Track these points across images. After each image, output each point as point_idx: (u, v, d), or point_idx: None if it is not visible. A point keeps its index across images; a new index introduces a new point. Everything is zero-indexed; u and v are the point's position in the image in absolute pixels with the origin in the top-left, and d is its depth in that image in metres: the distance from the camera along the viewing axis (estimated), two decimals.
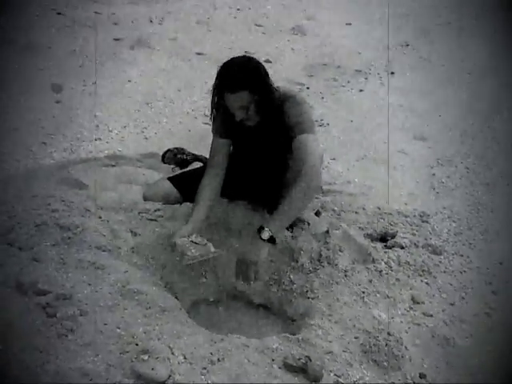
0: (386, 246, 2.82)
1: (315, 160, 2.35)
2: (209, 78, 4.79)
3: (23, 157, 3.21)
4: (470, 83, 6.08)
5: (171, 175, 2.97)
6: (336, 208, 3.12)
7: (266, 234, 2.25)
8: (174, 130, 3.92)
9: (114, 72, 4.82)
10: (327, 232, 2.77)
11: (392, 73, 6.14)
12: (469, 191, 3.71)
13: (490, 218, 3.39)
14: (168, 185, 2.87)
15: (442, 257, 2.84)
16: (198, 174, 2.81)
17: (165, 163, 3.34)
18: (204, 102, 4.50)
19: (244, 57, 2.50)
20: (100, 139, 3.57)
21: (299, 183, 2.28)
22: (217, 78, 2.43)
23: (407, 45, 7.83)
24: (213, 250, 2.39)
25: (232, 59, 2.45)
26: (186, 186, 2.83)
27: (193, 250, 2.35)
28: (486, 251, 3.00)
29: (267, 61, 5.89)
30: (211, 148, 2.69)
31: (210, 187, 2.60)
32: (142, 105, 4.27)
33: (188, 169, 3.19)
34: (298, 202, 2.29)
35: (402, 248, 2.81)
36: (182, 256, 2.34)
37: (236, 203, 2.85)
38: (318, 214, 2.94)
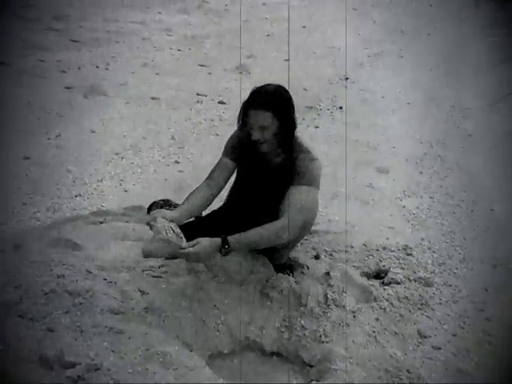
0: (383, 282, 2.94)
1: (295, 214, 2.53)
2: (170, 123, 4.86)
3: (7, 219, 3.12)
4: (411, 113, 6.42)
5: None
6: (327, 248, 3.22)
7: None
8: (151, 180, 3.92)
9: (75, 122, 4.77)
10: (328, 274, 2.86)
11: (340, 107, 6.39)
12: (439, 221, 3.92)
13: (464, 245, 3.59)
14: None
15: (433, 288, 2.99)
16: (197, 225, 2.85)
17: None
18: (173, 149, 4.54)
19: (279, 85, 2.69)
20: (80, 195, 3.53)
21: (273, 224, 2.53)
22: (248, 97, 2.60)
23: (346, 78, 8.15)
24: (184, 244, 2.50)
25: (269, 84, 2.66)
26: (190, 236, 2.85)
27: (169, 234, 2.49)
28: (469, 279, 3.19)
29: (221, 102, 6.00)
30: (215, 165, 2.83)
31: (200, 195, 2.76)
32: (112, 155, 4.25)
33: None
34: (264, 234, 2.53)
35: (398, 283, 2.94)
36: (155, 235, 2.48)
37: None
38: (317, 257, 3.02)
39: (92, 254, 2.84)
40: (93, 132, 4.63)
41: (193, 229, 2.91)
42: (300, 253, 3.07)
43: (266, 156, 2.77)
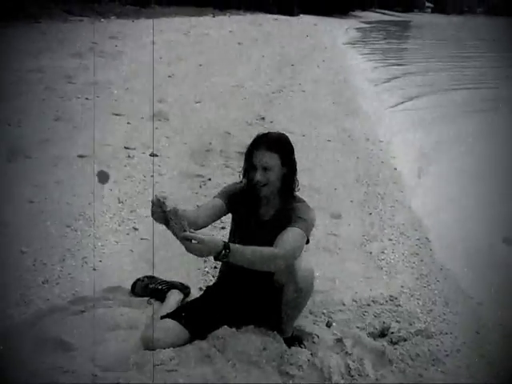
0: (391, 341, 2.92)
1: (285, 251, 2.46)
2: (110, 184, 4.60)
3: None
4: (335, 150, 6.62)
5: (169, 312, 2.77)
6: (324, 310, 3.16)
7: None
8: (116, 254, 3.66)
9: (8, 192, 4.37)
10: (340, 340, 2.80)
11: None
12: (407, 264, 4.00)
13: (440, 287, 3.69)
14: (172, 324, 2.67)
15: (435, 340, 3.02)
16: (200, 304, 2.72)
17: (137, 296, 3.10)
18: (125, 214, 4.28)
19: (282, 133, 2.75)
20: (47, 281, 3.20)
21: (273, 249, 2.45)
22: (253, 140, 2.67)
23: (262, 118, 8.24)
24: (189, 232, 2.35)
25: (271, 131, 2.75)
26: (193, 320, 2.68)
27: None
28: (459, 323, 3.26)
29: (153, 154, 5.79)
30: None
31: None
32: (63, 227, 3.92)
33: (169, 299, 3.00)
34: (263, 253, 2.42)
35: (405, 340, 2.94)
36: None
37: (245, 329, 2.75)
38: (329, 325, 2.95)
39: (89, 352, 2.57)
40: (31, 202, 4.25)
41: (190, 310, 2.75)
42: (302, 320, 2.98)
43: (262, 206, 2.75)
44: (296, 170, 2.75)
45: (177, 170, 5.42)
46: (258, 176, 2.60)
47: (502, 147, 7.26)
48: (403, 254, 4.14)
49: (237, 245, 2.38)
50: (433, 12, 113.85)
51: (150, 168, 5.36)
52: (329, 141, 7.24)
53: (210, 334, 2.69)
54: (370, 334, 2.99)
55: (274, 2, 46.91)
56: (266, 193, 2.67)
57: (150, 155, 5.73)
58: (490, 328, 3.23)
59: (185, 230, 2.32)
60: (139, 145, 6.03)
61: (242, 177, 2.78)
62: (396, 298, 3.44)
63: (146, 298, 3.09)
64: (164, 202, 2.35)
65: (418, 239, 4.46)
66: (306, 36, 26.90)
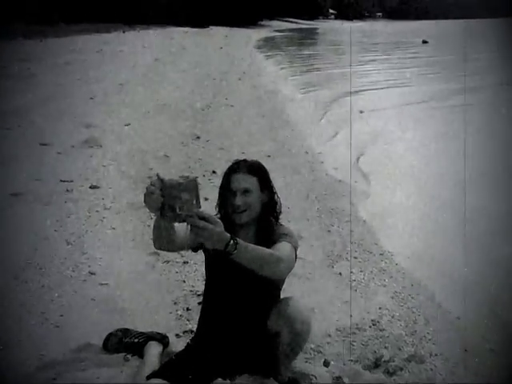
0: (388, 372, 2.82)
1: (287, 257, 2.30)
2: (54, 224, 4.27)
3: None
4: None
5: (154, 370, 2.52)
6: (312, 345, 3.02)
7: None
8: (76, 305, 3.34)
9: None
10: (339, 379, 2.66)
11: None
12: (379, 282, 3.95)
13: (416, 305, 3.64)
14: None
15: (428, 364, 2.95)
16: (187, 358, 2.50)
17: (111, 353, 2.82)
18: (77, 258, 3.95)
19: (257, 160, 2.62)
20: (6, 346, 2.85)
21: (275, 252, 2.26)
22: (230, 166, 2.53)
23: (198, 137, 8.05)
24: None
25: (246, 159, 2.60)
26: (183, 377, 2.44)
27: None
28: (446, 342, 3.22)
29: (94, 187, 5.46)
30: None
31: None
32: (11, 280, 3.55)
33: (148, 353, 2.75)
34: (267, 253, 2.21)
35: (401, 369, 2.85)
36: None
37: (239, 380, 2.54)
38: (327, 364, 2.80)
39: None
40: None
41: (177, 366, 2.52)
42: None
43: (239, 236, 2.40)
44: (277, 196, 2.59)
45: (122, 202, 5.10)
46: (238, 200, 2.43)
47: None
48: (372, 272, 4.08)
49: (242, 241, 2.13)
50: (336, 18, 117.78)
51: (92, 202, 5.02)
52: (269, 156, 7.12)
53: None
54: (366, 367, 2.88)
55: (182, 15, 46.66)
56: (245, 219, 2.47)
57: (91, 187, 5.38)
58: (475, 344, 3.21)
59: (199, 206, 1.98)
60: (76, 176, 5.67)
61: (216, 209, 2.57)
62: (378, 322, 3.37)
63: (122, 354, 2.81)
64: (163, 180, 1.98)
65: (382, 254, 4.42)
66: (220, 48, 26.89)
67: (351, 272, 4.06)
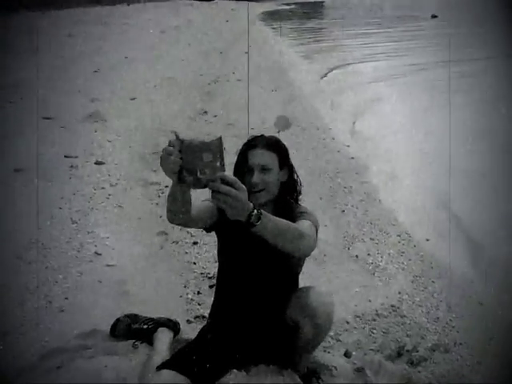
0: (412, 363, 2.67)
1: (310, 233, 2.12)
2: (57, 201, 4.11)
3: None
4: None
5: (164, 359, 2.36)
6: (331, 333, 2.84)
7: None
8: (81, 287, 3.17)
9: None
10: (360, 370, 2.50)
11: None
12: (398, 265, 3.79)
13: (437, 289, 3.49)
14: (172, 376, 2.25)
15: (453, 354, 2.81)
16: (200, 347, 2.33)
17: (118, 340, 2.66)
18: (82, 237, 3.78)
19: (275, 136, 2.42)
20: (7, 333, 2.70)
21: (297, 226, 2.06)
22: (247, 141, 2.35)
23: (205, 112, 7.82)
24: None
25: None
26: (196, 367, 2.28)
27: None
28: (470, 329, 3.06)
29: (99, 162, 5.27)
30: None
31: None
32: (14, 260, 3.40)
33: (158, 340, 2.60)
34: (291, 227, 1.98)
35: (425, 360, 2.71)
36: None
37: (256, 371, 2.39)
38: (348, 355, 2.64)
39: None
40: None
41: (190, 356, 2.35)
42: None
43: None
44: (296, 175, 2.41)
45: (128, 179, 4.92)
46: (256, 178, 2.23)
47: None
48: (389, 255, 3.91)
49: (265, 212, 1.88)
50: None
51: (98, 178, 4.85)
52: (278, 132, 6.89)
53: (218, 381, 2.31)
54: (388, 357, 2.72)
55: None
56: (263, 199, 2.26)
57: (96, 163, 5.20)
58: (502, 333, 3.04)
59: (223, 170, 1.70)
60: (81, 152, 5.48)
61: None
62: (398, 308, 3.23)
63: (131, 341, 2.65)
64: (183, 140, 1.71)
65: (399, 235, 4.25)
66: (227, 21, 26.38)
67: (368, 254, 3.89)
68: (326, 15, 42.14)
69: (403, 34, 20.69)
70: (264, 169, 2.26)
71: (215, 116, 7.54)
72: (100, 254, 3.55)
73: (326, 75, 11.92)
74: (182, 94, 8.85)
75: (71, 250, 3.60)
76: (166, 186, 4.76)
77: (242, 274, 2.38)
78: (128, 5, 29.71)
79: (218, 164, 1.67)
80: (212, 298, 2.93)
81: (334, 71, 12.36)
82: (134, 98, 8.20)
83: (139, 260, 3.55)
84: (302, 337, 2.26)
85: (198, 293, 3.19)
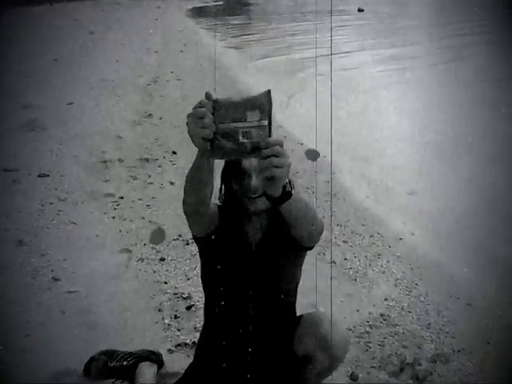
0: (417, 378, 2.51)
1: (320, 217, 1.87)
2: None
3: None
4: None
5: None
6: None
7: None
8: (41, 320, 2.83)
9: None
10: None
11: None
12: (377, 268, 3.63)
13: (422, 292, 3.35)
14: None
15: (455, 364, 2.66)
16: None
17: (96, 380, 2.36)
18: (35, 262, 3.41)
19: None
20: None
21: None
22: None
23: (150, 114, 7.50)
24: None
25: None
26: None
27: None
28: (465, 334, 2.93)
29: (43, 175, 4.86)
30: None
31: None
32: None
33: (141, 376, 2.31)
34: (312, 208, 1.76)
35: (431, 374, 2.55)
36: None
37: None
38: (354, 377, 2.43)
39: None
40: None
41: None
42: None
43: (248, 226, 2.03)
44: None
45: (78, 191, 4.54)
46: (255, 181, 1.92)
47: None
48: (367, 258, 3.75)
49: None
50: None
51: (44, 193, 4.45)
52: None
53: None
54: (391, 373, 2.54)
55: None
56: (263, 206, 1.95)
57: (39, 176, 4.78)
58: (498, 334, 2.93)
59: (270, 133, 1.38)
60: (21, 164, 5.04)
61: (220, 192, 2.06)
62: (388, 316, 3.08)
63: (110, 381, 2.35)
64: (217, 99, 1.40)
65: (372, 236, 4.09)
66: (156, 19, 25.80)
67: (345, 259, 3.72)
68: (253, 11, 42.31)
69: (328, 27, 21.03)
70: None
71: (161, 118, 7.19)
72: (58, 280, 3.20)
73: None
74: (121, 96, 8.43)
75: (25, 276, 3.22)
76: (121, 198, 4.44)
77: (236, 302, 2.06)
78: (51, 4, 28.52)
79: (266, 123, 1.35)
80: (192, 323, 2.70)
81: (276, 65, 12.32)
82: (70, 103, 7.73)
83: (103, 283, 3.22)
84: (314, 369, 2.01)
85: (176, 317, 2.90)
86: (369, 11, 28.92)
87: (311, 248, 2.06)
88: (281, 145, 1.37)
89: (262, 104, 1.35)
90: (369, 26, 19.35)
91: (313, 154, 1.60)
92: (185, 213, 1.82)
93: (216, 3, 51.76)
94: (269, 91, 1.37)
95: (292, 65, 12.07)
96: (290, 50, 15.54)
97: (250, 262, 2.01)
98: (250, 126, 1.34)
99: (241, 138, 1.35)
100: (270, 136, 1.36)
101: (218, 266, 2.01)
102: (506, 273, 3.52)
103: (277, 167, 1.36)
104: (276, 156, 1.35)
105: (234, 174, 1.98)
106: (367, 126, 6.97)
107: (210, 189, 1.69)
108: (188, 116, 1.39)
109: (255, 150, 1.35)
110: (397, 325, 2.97)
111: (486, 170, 4.92)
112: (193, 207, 1.76)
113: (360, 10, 35.91)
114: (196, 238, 2.03)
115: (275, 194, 1.48)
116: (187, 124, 1.39)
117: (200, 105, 1.39)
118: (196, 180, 1.64)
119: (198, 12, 37.46)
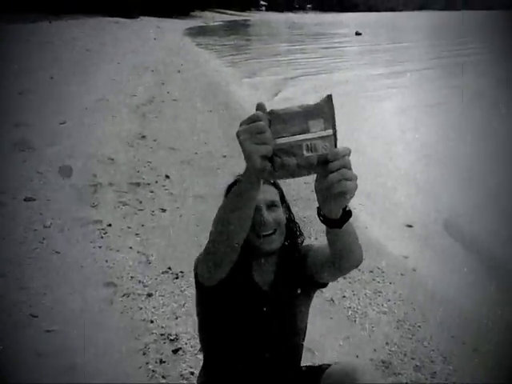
0: None
1: None
2: None
3: None
4: None
5: None
6: None
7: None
8: (17, 361, 2.61)
9: None
10: None
11: None
12: (377, 308, 3.43)
13: (425, 335, 3.15)
14: None
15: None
16: None
17: None
18: (14, 294, 3.19)
19: None
20: None
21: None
22: None
23: (143, 136, 7.33)
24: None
25: None
26: None
27: None
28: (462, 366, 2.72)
29: (29, 199, 4.65)
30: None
31: None
32: None
33: None
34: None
35: None
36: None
37: None
38: None
39: None
40: None
41: None
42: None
43: (256, 270, 1.83)
44: (293, 214, 1.92)
45: (64, 217, 4.33)
46: (267, 216, 1.73)
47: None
48: (366, 296, 3.54)
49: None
50: (267, 10, 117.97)
51: (29, 218, 4.24)
52: (224, 157, 6.48)
53: None
54: None
55: (111, 4, 44.78)
56: (277, 244, 1.78)
57: (26, 200, 4.58)
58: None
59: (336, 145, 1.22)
60: (7, 187, 4.83)
61: None
62: (390, 364, 2.86)
63: None
64: (272, 110, 1.20)
65: (371, 271, 3.89)
66: (154, 39, 25.85)
67: (343, 297, 3.51)
68: (251, 32, 42.71)
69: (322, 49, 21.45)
70: (273, 205, 1.78)
71: (155, 140, 7.02)
72: (36, 317, 2.98)
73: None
74: (116, 116, 8.26)
75: (1, 312, 3.00)
76: (109, 225, 4.23)
77: (250, 354, 1.83)
78: (50, 22, 28.54)
79: (332, 132, 1.19)
80: (178, 369, 2.49)
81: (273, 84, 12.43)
82: (63, 122, 7.55)
83: (84, 321, 3.00)
84: None
85: (161, 361, 2.68)
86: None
87: (326, 285, 1.86)
88: (349, 155, 1.21)
89: (325, 111, 1.20)
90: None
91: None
92: (207, 253, 1.58)
93: (215, 23, 52.21)
94: (330, 96, 1.21)
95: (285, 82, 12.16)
96: (288, 67, 15.74)
97: (263, 307, 1.81)
98: (315, 138, 1.18)
99: (305, 152, 1.18)
100: (336, 146, 1.20)
101: (224, 316, 1.80)
102: None
103: (348, 180, 1.19)
104: (346, 168, 1.19)
105: None
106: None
107: (249, 223, 1.46)
108: (240, 133, 1.18)
109: (322, 163, 1.19)
110: (399, 374, 2.78)
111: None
112: (225, 244, 1.50)
113: (358, 34, 36.44)
114: (200, 286, 1.79)
115: (337, 214, 1.28)
116: (241, 142, 1.18)
117: (256, 118, 1.19)
118: (238, 210, 1.40)
119: (197, 32, 37.71)
